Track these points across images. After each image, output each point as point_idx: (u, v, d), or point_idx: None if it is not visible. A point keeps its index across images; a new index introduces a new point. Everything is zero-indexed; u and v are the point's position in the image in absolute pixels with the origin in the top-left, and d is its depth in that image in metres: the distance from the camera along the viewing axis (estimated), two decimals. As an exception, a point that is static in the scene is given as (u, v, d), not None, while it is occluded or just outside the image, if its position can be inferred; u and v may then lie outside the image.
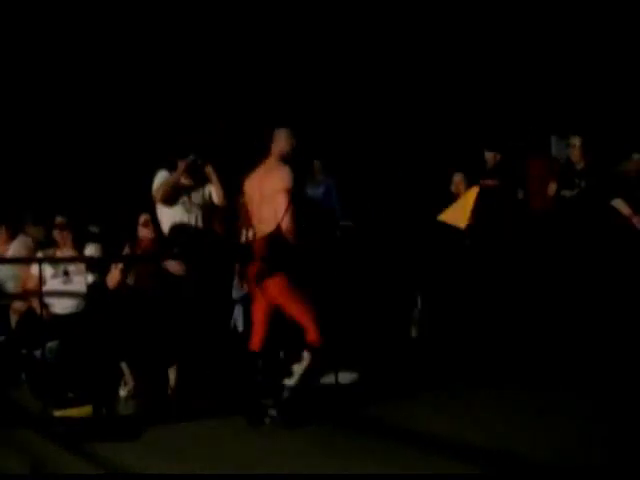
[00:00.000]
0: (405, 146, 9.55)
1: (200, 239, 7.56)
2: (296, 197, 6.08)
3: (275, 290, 6.09)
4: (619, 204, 7.90)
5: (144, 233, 7.23)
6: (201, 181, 7.55)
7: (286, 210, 5.99)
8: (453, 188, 8.42)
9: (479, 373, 6.99)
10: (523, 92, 10.01)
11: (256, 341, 6.29)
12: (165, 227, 7.40)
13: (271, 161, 6.30)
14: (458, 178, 8.39)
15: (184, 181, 7.45)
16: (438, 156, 8.97)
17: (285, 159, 6.26)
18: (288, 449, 5.55)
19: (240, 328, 7.61)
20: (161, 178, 7.45)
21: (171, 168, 7.53)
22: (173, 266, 7.00)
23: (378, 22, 10.22)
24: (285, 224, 6.00)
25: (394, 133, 9.89)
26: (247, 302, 7.48)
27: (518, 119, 9.42)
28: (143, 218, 7.28)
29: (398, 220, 8.36)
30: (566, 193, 8.04)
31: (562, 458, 5.01)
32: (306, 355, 6.10)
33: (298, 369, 6.10)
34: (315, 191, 8.33)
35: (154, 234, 7.23)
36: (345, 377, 7.06)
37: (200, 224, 7.52)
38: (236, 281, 7.62)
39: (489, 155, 8.39)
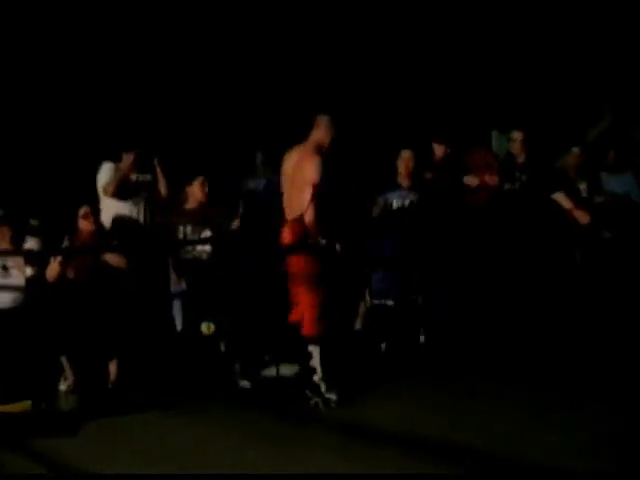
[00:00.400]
0: (350, 139, 9.55)
1: (143, 233, 7.56)
2: (324, 190, 6.13)
3: (294, 270, 6.27)
4: (560, 197, 7.96)
5: (84, 225, 7.15)
6: (148, 174, 7.59)
7: (309, 203, 6.06)
8: (401, 165, 7.84)
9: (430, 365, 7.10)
10: (464, 86, 10.06)
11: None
12: (111, 220, 7.39)
13: (307, 147, 6.32)
14: (407, 154, 7.85)
15: (131, 175, 7.47)
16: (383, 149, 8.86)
17: (322, 147, 6.28)
18: (231, 442, 5.53)
19: (179, 325, 7.49)
20: (107, 170, 7.49)
21: (114, 160, 7.51)
22: (113, 259, 6.95)
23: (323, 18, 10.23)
24: (308, 217, 6.09)
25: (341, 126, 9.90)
26: (185, 298, 7.45)
27: (458, 113, 9.44)
28: (83, 210, 7.20)
29: (344, 214, 8.30)
30: (507, 186, 8.08)
31: (561, 458, 4.98)
32: (311, 348, 6.20)
33: (315, 363, 6.19)
34: (256, 184, 8.30)
35: (94, 226, 7.16)
36: (287, 369, 7.08)
37: (146, 218, 7.55)
38: (173, 276, 7.53)
39: (439, 148, 8.21)
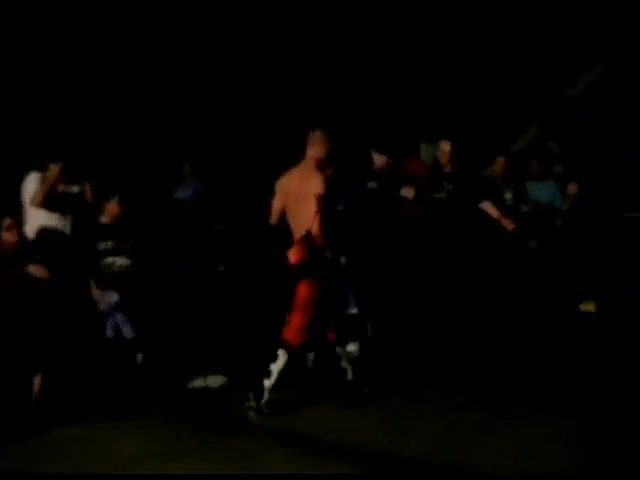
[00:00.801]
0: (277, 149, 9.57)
1: (68, 244, 7.48)
2: (329, 202, 6.21)
3: (303, 285, 6.22)
4: (487, 206, 8.07)
5: (7, 237, 7.02)
6: (76, 185, 7.53)
7: (315, 215, 6.09)
8: None
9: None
10: (394, 98, 10.16)
11: (331, 334, 6.48)
12: (36, 231, 7.31)
13: (307, 164, 6.34)
14: None
15: (59, 186, 7.41)
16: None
17: (320, 162, 6.31)
18: (171, 454, 5.51)
19: (128, 334, 7.40)
20: (34, 180, 7.39)
21: (40, 170, 7.43)
22: (36, 270, 6.84)
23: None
24: (314, 229, 6.11)
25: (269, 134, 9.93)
26: (125, 308, 7.38)
27: (390, 124, 9.52)
28: (6, 222, 7.08)
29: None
30: (435, 196, 8.14)
31: (500, 462, 5.04)
32: (281, 353, 6.21)
33: (275, 368, 6.19)
34: (184, 193, 8.28)
35: (17, 238, 7.04)
36: (215, 380, 7.07)
37: (72, 229, 7.48)
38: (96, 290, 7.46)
39: (380, 158, 8.18)
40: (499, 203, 8.17)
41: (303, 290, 6.25)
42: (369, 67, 10.33)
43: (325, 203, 6.17)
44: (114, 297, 7.44)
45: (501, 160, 8.50)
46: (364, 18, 10.46)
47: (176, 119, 9.61)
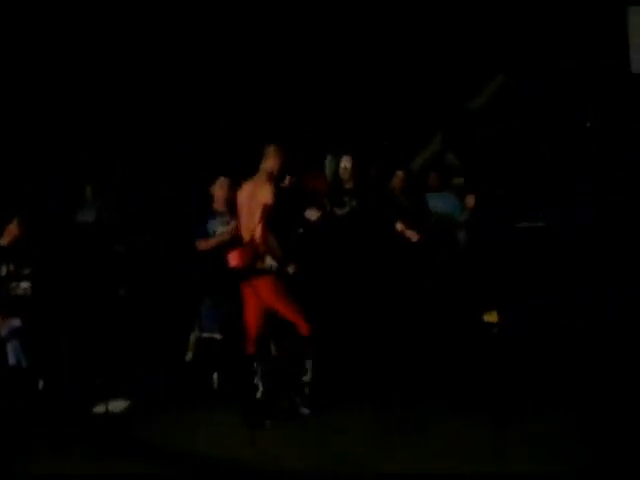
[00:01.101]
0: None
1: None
2: (277, 212, 6.32)
3: (265, 292, 6.39)
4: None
5: None
6: None
7: (258, 222, 6.25)
8: (218, 191, 7.68)
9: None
10: (300, 112, 10.21)
11: (251, 344, 6.53)
12: None
13: (260, 177, 6.49)
14: (223, 180, 7.68)
15: None
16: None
17: (272, 175, 6.46)
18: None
19: (24, 363, 7.29)
20: None
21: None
22: None
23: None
24: (257, 235, 6.27)
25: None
26: (22, 336, 7.29)
27: (292, 139, 9.55)
28: None
29: (177, 240, 8.25)
30: (337, 211, 8.18)
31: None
32: (309, 351, 6.45)
33: (309, 364, 6.44)
34: (86, 216, 8.23)
35: None
36: (117, 405, 7.00)
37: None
38: None
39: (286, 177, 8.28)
40: (403, 216, 8.23)
41: (264, 289, 6.37)
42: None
43: (272, 213, 6.29)
44: (15, 323, 7.36)
45: (400, 174, 8.59)
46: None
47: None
